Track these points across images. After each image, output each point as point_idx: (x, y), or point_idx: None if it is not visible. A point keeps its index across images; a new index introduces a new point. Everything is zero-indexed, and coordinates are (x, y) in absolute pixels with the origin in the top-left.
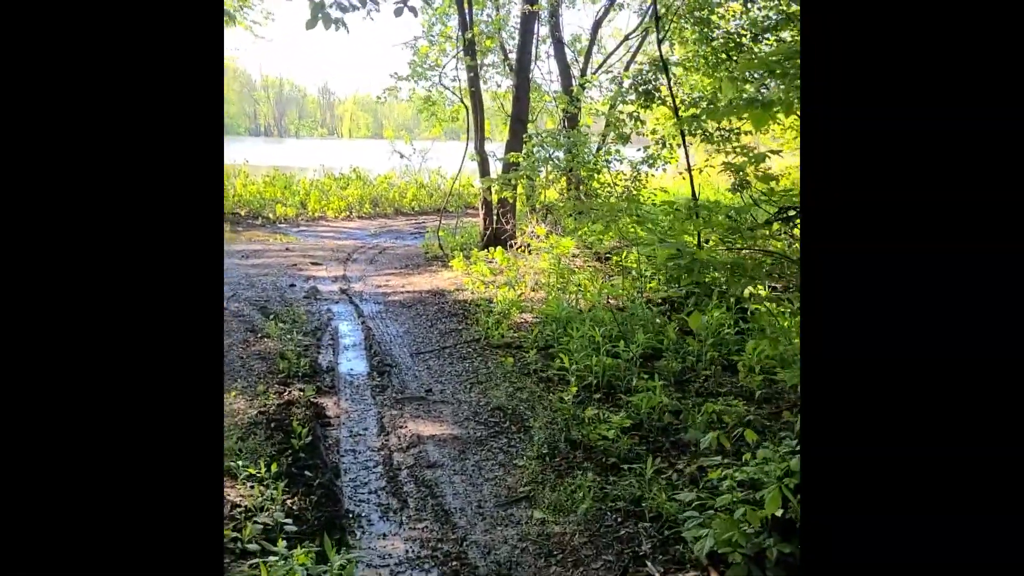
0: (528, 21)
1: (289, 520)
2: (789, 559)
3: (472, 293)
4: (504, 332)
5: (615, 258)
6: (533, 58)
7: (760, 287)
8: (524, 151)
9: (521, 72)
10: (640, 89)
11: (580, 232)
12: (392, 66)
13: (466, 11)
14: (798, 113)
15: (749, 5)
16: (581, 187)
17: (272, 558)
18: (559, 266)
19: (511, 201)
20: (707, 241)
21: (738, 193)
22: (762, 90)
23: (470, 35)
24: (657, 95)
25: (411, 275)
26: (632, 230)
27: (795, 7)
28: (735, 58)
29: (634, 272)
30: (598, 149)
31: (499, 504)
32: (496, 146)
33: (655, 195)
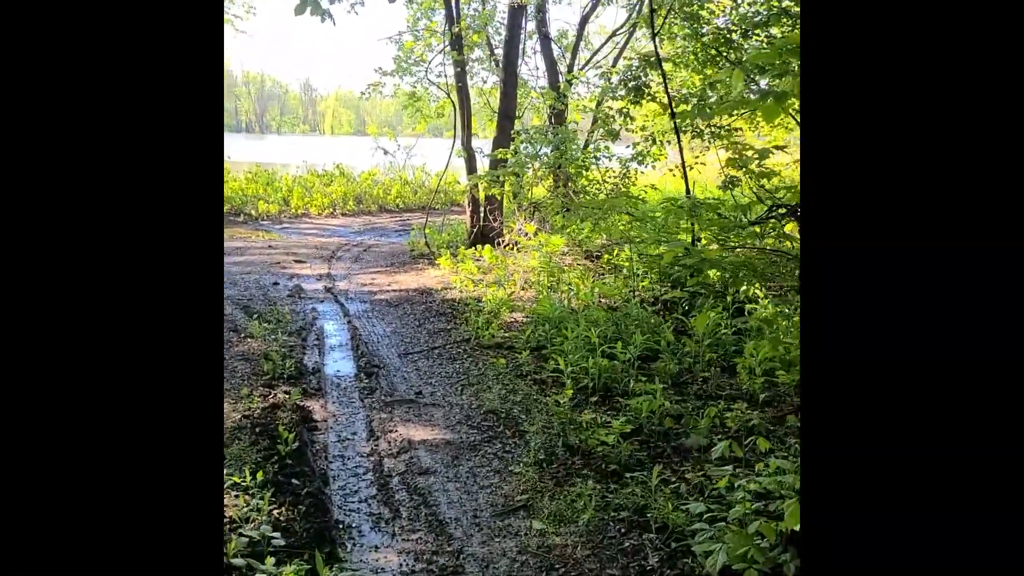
0: (516, 15)
1: (277, 534)
2: None
3: (460, 292)
4: (495, 332)
5: (606, 256)
6: (521, 53)
7: (757, 286)
8: (512, 147)
9: (508, 67)
10: (630, 85)
11: (568, 230)
12: (375, 63)
13: (453, 5)
14: None
15: (739, 0)
16: (569, 184)
17: None
18: (549, 265)
19: (499, 198)
20: (698, 239)
21: (728, 191)
22: (760, 84)
23: (457, 29)
24: (647, 91)
25: (397, 273)
26: (623, 228)
27: (786, 2)
28: (725, 54)
29: (625, 271)
30: (586, 146)
31: (496, 513)
32: (482, 143)
33: (645, 192)
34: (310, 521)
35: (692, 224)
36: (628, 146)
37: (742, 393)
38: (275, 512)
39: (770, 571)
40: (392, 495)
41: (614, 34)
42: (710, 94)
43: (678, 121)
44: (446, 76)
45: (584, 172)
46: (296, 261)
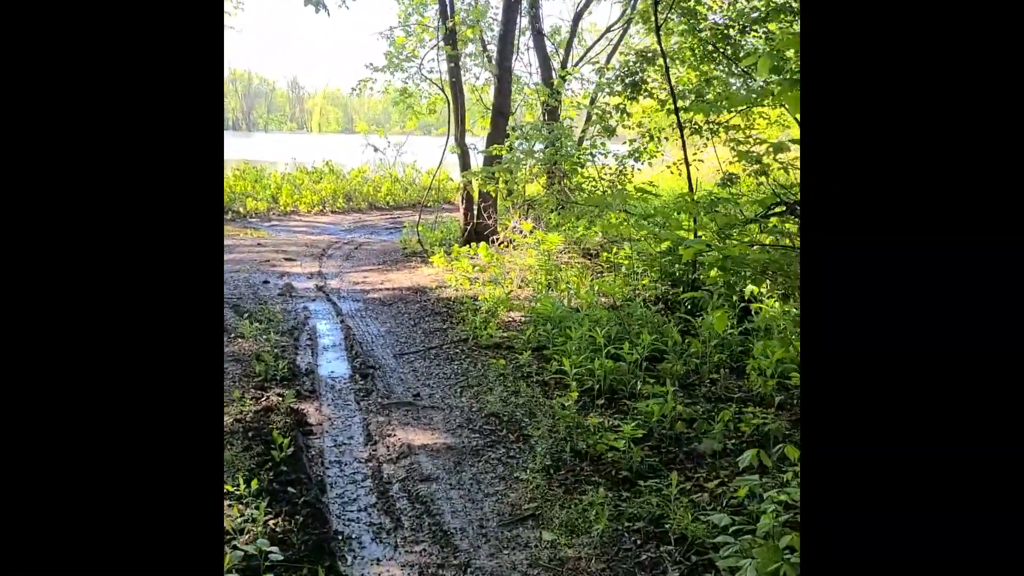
0: (510, 10)
1: (275, 548)
2: None
3: (456, 290)
4: (493, 332)
5: (604, 255)
6: (515, 49)
7: (766, 284)
8: (507, 143)
9: (503, 63)
10: (627, 81)
11: (564, 227)
12: (363, 61)
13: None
14: None
15: None
16: (564, 181)
17: None
18: (548, 263)
19: (493, 195)
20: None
21: (727, 188)
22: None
23: (451, 23)
24: (644, 87)
25: (389, 271)
26: (622, 226)
27: None
28: (722, 50)
29: (624, 269)
30: (580, 142)
31: (503, 523)
32: (474, 139)
33: (654, 187)
34: (308, 533)
35: (694, 221)
36: (625, 142)
37: (753, 395)
38: (271, 523)
39: None
40: (393, 503)
41: (608, 30)
42: (707, 91)
43: (678, 117)
44: (439, 72)
45: (579, 169)
46: (286, 259)
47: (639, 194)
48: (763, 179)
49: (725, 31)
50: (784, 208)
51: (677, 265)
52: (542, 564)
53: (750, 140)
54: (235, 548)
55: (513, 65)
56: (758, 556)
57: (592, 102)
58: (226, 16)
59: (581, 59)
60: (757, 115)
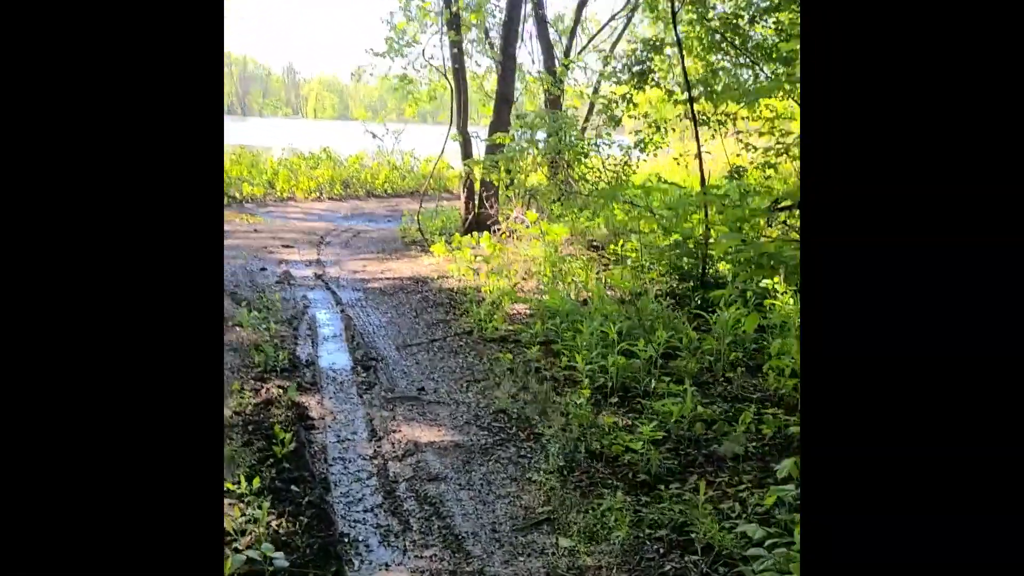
0: None
1: (280, 554)
2: None
3: (458, 281)
4: (498, 324)
5: (611, 247)
6: (519, 35)
7: (777, 279)
8: (511, 131)
9: (507, 49)
10: (634, 70)
11: (568, 218)
12: (360, 47)
13: None
14: None
15: None
16: (570, 170)
17: None
18: (554, 254)
19: (496, 184)
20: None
21: (734, 180)
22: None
23: (455, 8)
24: (651, 76)
25: (389, 260)
26: (629, 217)
27: None
28: (730, 39)
29: (630, 262)
30: (583, 131)
31: (517, 528)
32: (475, 128)
33: (650, 181)
34: (313, 535)
35: (739, 215)
36: (631, 132)
37: (771, 395)
38: (274, 524)
39: None
40: (400, 504)
41: (613, 18)
42: (714, 82)
43: (684, 108)
44: (443, 59)
45: (583, 159)
46: (283, 246)
47: (658, 187)
48: (770, 172)
49: (734, 20)
50: (791, 203)
51: (685, 259)
52: (560, 573)
53: (776, 131)
54: (237, 551)
55: (517, 52)
56: (796, 572)
57: (595, 91)
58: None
59: (584, 48)
60: (764, 107)
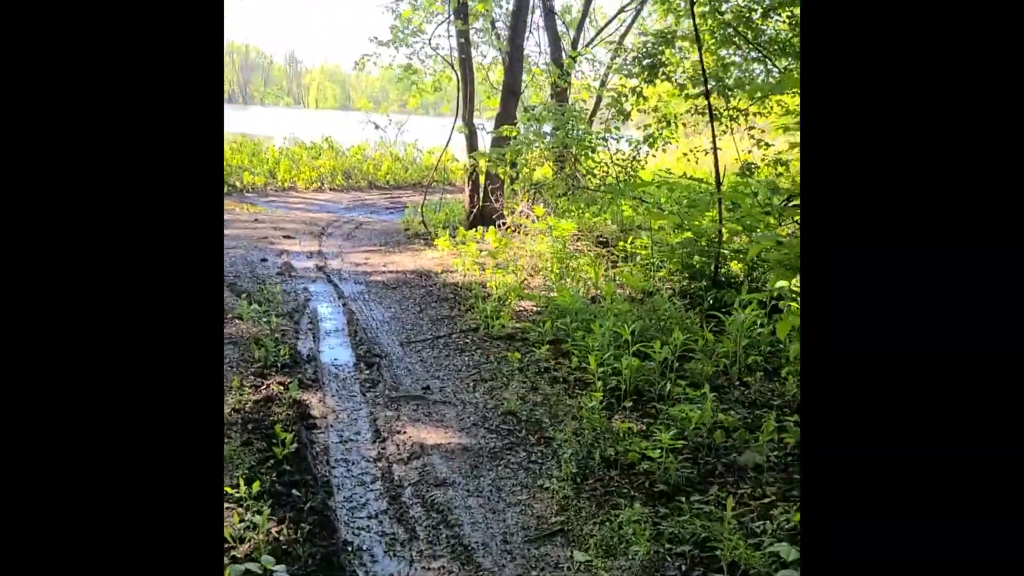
0: None
1: (281, 567)
2: None
3: (463, 275)
4: (506, 322)
5: (621, 244)
6: (528, 26)
7: (795, 281)
8: (517, 123)
9: (514, 40)
10: (644, 63)
11: (573, 213)
12: (363, 38)
13: None
14: None
15: None
16: (576, 166)
17: None
18: (562, 250)
19: (501, 178)
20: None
21: (746, 177)
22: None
23: None
24: (663, 70)
25: (392, 253)
26: (639, 214)
27: None
28: (743, 33)
29: (640, 259)
30: (590, 123)
31: (529, 539)
32: (481, 120)
33: (660, 176)
34: (315, 544)
35: (720, 212)
36: (638, 127)
37: (790, 402)
38: (274, 531)
39: None
40: (406, 511)
41: (622, 10)
42: (725, 76)
43: (697, 103)
44: (443, 48)
45: (591, 154)
46: (284, 237)
47: (679, 182)
48: (782, 169)
49: (747, 14)
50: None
51: (697, 257)
52: None
53: (788, 127)
54: (235, 560)
55: (525, 43)
56: None
57: (602, 84)
58: None
59: (592, 40)
60: (775, 103)
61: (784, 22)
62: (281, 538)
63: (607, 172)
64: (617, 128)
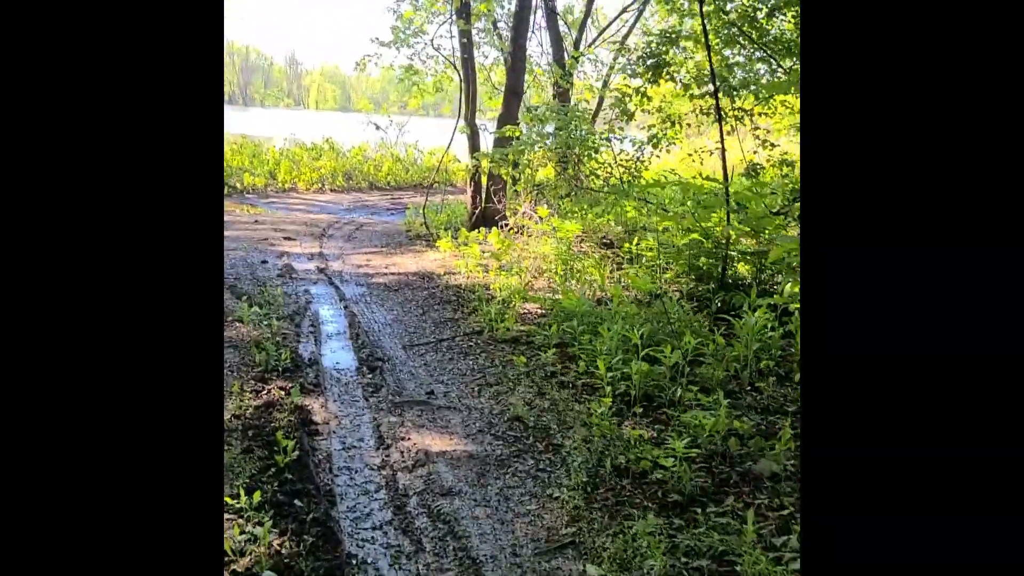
0: None
1: None
2: None
3: (466, 277)
4: (510, 325)
5: (626, 245)
6: (530, 26)
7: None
8: (521, 123)
9: (517, 39)
10: (648, 62)
11: (576, 214)
12: (363, 39)
13: None
14: None
15: None
16: (580, 165)
17: None
18: (567, 252)
19: (504, 179)
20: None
21: (752, 178)
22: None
23: None
24: (667, 70)
25: (394, 255)
26: (653, 214)
27: None
28: (748, 33)
29: (645, 260)
30: (592, 123)
31: (539, 551)
32: (483, 121)
33: (664, 177)
34: (319, 558)
35: (728, 213)
36: (642, 128)
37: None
38: (275, 543)
39: None
40: (411, 521)
41: (624, 10)
42: (729, 76)
43: (702, 103)
44: (445, 48)
45: (594, 155)
46: (285, 238)
47: (691, 183)
48: (787, 170)
49: (752, 13)
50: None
51: (703, 259)
52: None
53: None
54: (236, 574)
55: (528, 43)
56: None
57: (605, 84)
58: None
59: (595, 40)
60: (780, 103)
61: (789, 21)
62: (283, 551)
63: (610, 173)
64: (621, 128)
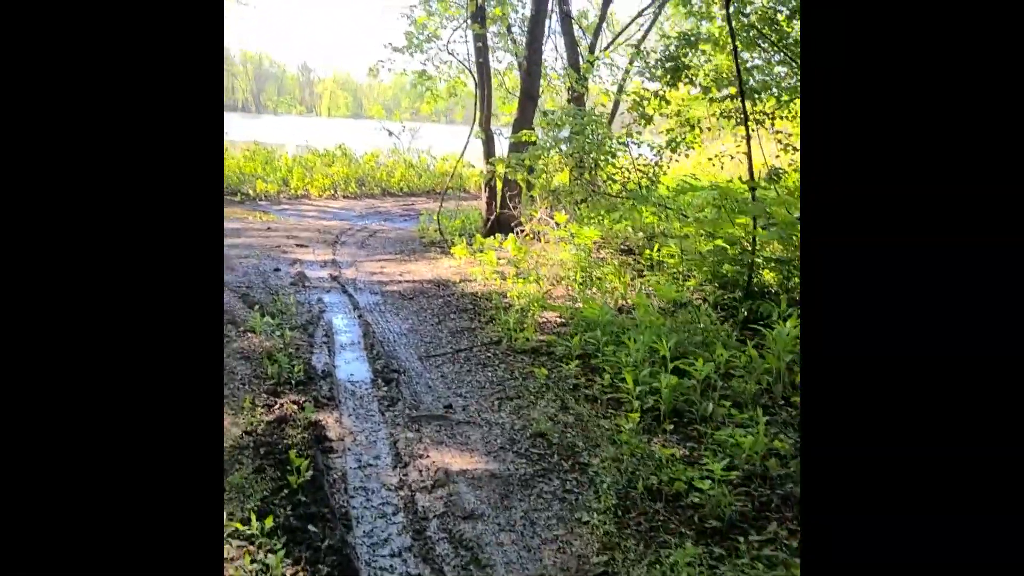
0: None
1: None
2: None
3: (482, 285)
4: (529, 335)
5: (647, 252)
6: (546, 30)
7: None
8: (537, 128)
9: (533, 44)
10: (667, 65)
11: (593, 220)
12: (375, 46)
13: None
14: None
15: None
16: (597, 170)
17: None
18: (587, 259)
19: (520, 184)
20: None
21: (773, 183)
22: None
23: (480, 0)
24: (686, 72)
25: (408, 262)
26: (673, 220)
27: None
28: (768, 36)
29: (667, 267)
30: (609, 125)
31: None
32: (497, 127)
33: (684, 182)
34: None
35: (754, 219)
36: (660, 131)
37: None
38: (289, 573)
39: None
40: (432, 547)
41: (640, 14)
42: (748, 79)
43: (722, 107)
44: (466, 53)
45: (611, 159)
46: (298, 245)
47: (728, 188)
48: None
49: (773, 15)
50: None
51: (727, 266)
52: None
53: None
54: None
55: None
56: None
57: (620, 88)
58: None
59: (610, 44)
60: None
61: None
62: None
63: (628, 178)
64: (639, 133)
